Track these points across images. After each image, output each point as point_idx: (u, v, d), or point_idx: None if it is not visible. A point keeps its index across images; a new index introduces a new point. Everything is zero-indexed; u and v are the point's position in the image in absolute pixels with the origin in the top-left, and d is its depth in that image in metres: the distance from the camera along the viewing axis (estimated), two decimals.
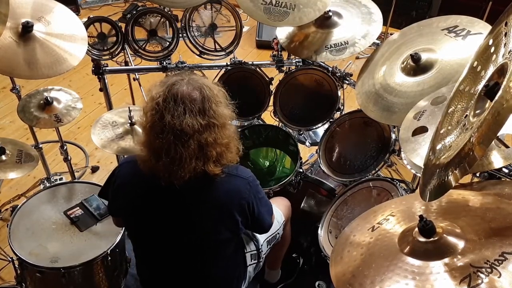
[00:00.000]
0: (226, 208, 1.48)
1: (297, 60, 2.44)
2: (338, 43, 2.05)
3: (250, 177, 1.53)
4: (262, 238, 1.87)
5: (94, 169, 3.12)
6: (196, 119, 1.34)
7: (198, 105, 1.35)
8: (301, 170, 2.26)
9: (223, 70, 2.36)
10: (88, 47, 2.11)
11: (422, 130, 1.43)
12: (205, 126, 1.36)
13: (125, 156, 2.17)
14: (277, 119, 2.45)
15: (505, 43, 0.94)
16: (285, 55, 2.44)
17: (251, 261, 1.83)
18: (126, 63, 2.80)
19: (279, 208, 2.00)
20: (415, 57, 1.68)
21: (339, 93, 2.29)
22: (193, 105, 1.34)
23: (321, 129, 2.43)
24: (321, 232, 1.96)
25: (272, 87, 2.38)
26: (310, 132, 2.76)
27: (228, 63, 2.37)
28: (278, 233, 1.97)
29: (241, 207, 1.49)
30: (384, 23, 2.11)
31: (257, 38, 4.59)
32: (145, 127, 1.41)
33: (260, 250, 1.86)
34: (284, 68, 2.47)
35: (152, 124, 1.38)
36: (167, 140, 1.35)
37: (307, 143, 2.64)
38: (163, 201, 1.48)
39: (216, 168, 1.41)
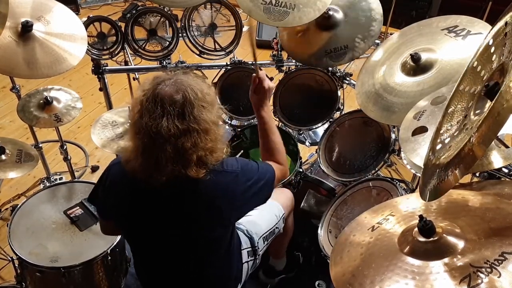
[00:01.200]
0: (216, 205, 1.45)
1: None
2: (338, 47, 2.05)
3: (238, 168, 1.47)
4: (257, 235, 1.87)
5: (94, 169, 3.12)
6: (174, 123, 1.30)
7: (177, 109, 1.30)
8: (301, 170, 2.26)
9: (223, 69, 2.36)
10: (87, 46, 2.11)
11: (422, 130, 1.43)
12: (183, 131, 1.31)
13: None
14: (277, 119, 2.45)
15: (505, 43, 0.94)
16: (285, 55, 2.44)
17: (248, 258, 1.82)
18: (126, 63, 2.80)
19: (278, 202, 1.98)
20: (415, 57, 1.68)
21: (339, 93, 2.29)
22: (172, 108, 1.30)
23: (321, 129, 2.43)
24: (321, 232, 1.97)
25: None
26: (310, 132, 2.76)
27: (228, 63, 2.37)
28: (277, 227, 1.96)
29: (231, 203, 1.46)
30: (384, 23, 2.10)
31: (257, 38, 4.59)
32: (130, 124, 1.41)
33: (256, 247, 1.86)
34: (284, 68, 2.48)
35: (133, 122, 1.36)
36: (143, 141, 1.33)
37: (307, 143, 2.64)
38: (150, 202, 1.46)
39: (199, 172, 1.36)
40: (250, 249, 1.83)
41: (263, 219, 1.94)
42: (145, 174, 1.36)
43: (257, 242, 1.86)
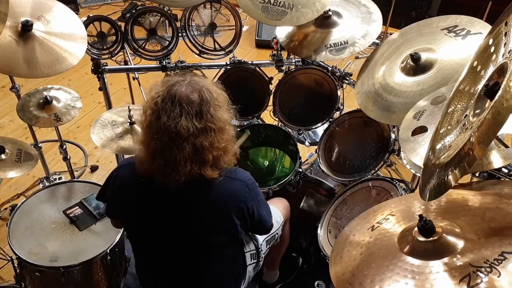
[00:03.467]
0: (224, 211, 1.47)
1: (296, 59, 2.44)
2: (338, 43, 2.05)
3: (249, 179, 1.52)
4: (261, 237, 1.87)
5: (94, 169, 3.12)
6: (192, 122, 1.33)
7: (195, 108, 1.34)
8: (300, 170, 2.26)
9: (223, 69, 2.36)
10: (87, 46, 2.11)
11: (421, 129, 1.43)
12: (201, 130, 1.34)
13: (125, 156, 2.16)
14: (277, 119, 2.45)
15: (505, 43, 0.94)
16: (284, 54, 2.44)
17: (251, 260, 1.83)
18: (126, 62, 2.80)
19: (278, 209, 1.99)
20: (414, 57, 1.68)
21: (339, 92, 2.29)
22: (190, 108, 1.33)
23: (320, 129, 2.43)
24: (321, 232, 1.97)
25: (272, 87, 2.38)
26: (310, 132, 2.76)
27: (228, 63, 2.37)
28: (277, 233, 1.97)
29: (239, 210, 1.48)
30: (384, 23, 2.11)
31: (256, 38, 4.59)
32: (143, 127, 1.41)
33: (260, 250, 1.86)
34: (284, 68, 2.47)
35: (149, 123, 1.37)
36: (161, 142, 1.34)
37: (307, 143, 2.64)
38: (160, 204, 1.47)
39: (213, 172, 1.40)
40: (254, 251, 1.84)
41: None
42: (163, 175, 1.37)
43: (261, 245, 1.87)
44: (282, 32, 2.25)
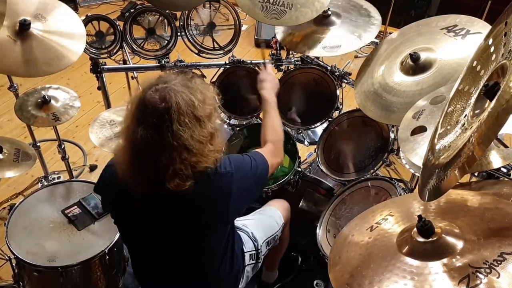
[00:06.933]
0: (211, 208, 1.45)
1: (296, 59, 2.44)
2: (334, 45, 2.05)
3: (232, 169, 1.45)
4: (261, 239, 1.87)
5: (92, 168, 3.11)
6: (151, 134, 1.27)
7: (154, 119, 1.26)
8: (299, 169, 2.26)
9: (222, 68, 2.36)
10: (86, 45, 2.10)
11: (421, 129, 1.43)
12: (160, 144, 1.28)
13: None
14: None
15: (505, 43, 0.94)
16: (283, 54, 2.44)
17: (250, 261, 1.82)
18: (125, 62, 2.79)
19: (278, 210, 1.99)
20: (414, 57, 1.68)
21: (338, 92, 2.29)
22: (150, 118, 1.26)
23: (319, 128, 2.42)
24: (320, 232, 1.96)
25: None
26: (309, 131, 2.75)
27: (227, 62, 2.36)
28: (277, 235, 1.97)
29: (227, 203, 1.45)
30: (383, 22, 2.10)
31: (256, 37, 4.59)
32: (124, 141, 1.36)
33: (259, 251, 1.86)
34: (283, 67, 2.47)
35: (130, 145, 1.33)
36: (145, 167, 1.31)
37: (306, 142, 2.64)
38: (145, 206, 1.45)
39: (180, 185, 1.32)
40: (253, 252, 1.83)
41: (266, 223, 1.95)
42: (140, 189, 1.36)
43: (261, 246, 1.87)
44: (280, 29, 2.25)
